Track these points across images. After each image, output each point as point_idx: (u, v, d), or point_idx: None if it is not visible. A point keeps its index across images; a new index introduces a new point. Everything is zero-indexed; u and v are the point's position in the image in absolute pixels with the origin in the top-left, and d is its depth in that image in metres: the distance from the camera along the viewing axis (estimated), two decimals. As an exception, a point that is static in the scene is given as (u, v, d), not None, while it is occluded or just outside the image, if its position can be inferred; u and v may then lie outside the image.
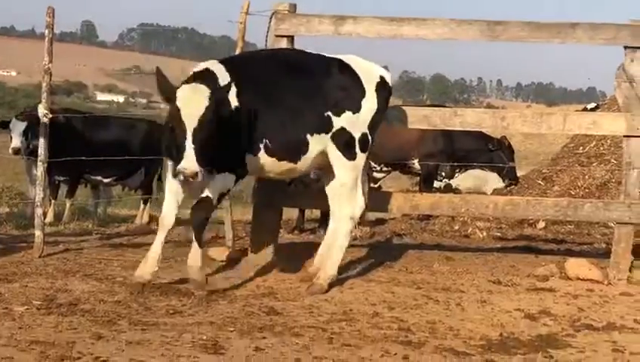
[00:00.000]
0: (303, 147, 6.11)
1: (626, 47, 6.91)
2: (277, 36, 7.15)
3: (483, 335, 5.28)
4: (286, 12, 7.14)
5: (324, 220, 10.00)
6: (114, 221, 10.56)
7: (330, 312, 5.65)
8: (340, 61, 6.32)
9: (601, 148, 11.59)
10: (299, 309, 5.70)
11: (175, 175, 5.67)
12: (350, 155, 6.22)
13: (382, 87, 6.35)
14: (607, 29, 6.91)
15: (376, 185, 11.77)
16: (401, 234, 9.40)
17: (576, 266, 6.98)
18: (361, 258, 7.47)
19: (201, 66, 5.98)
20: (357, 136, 6.21)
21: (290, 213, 10.45)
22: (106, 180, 11.65)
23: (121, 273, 6.48)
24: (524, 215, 7.77)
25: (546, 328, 5.53)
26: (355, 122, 6.21)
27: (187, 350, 4.59)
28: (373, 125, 6.33)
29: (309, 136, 6.09)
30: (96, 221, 10.22)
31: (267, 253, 7.11)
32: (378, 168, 11.63)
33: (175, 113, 5.52)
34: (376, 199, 7.34)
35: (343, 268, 6.98)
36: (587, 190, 10.83)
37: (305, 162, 6.19)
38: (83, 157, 9.96)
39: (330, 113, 6.13)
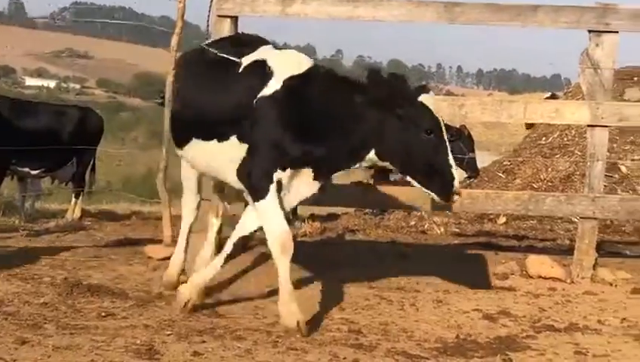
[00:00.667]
0: None
1: (590, 31, 6.98)
2: (219, 16, 7.11)
3: (438, 337, 5.32)
4: (240, -10, 7.11)
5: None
6: (43, 216, 10.43)
7: (276, 314, 5.62)
8: None
9: (565, 139, 11.73)
10: (243, 311, 5.69)
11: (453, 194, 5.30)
12: None
13: None
14: (571, 11, 6.97)
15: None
16: (354, 229, 9.42)
17: (538, 264, 7.05)
18: (310, 255, 7.44)
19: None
20: None
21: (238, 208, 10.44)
22: (34, 172, 11.46)
23: (49, 272, 6.40)
24: (483, 209, 7.84)
25: (505, 329, 5.58)
26: None
27: (119, 355, 4.54)
28: None
29: None
30: (24, 216, 10.08)
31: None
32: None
33: (437, 123, 5.29)
34: (330, 191, 7.33)
35: (290, 267, 6.98)
36: (550, 183, 10.96)
37: None
38: (8, 147, 9.80)
39: None
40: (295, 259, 7.13)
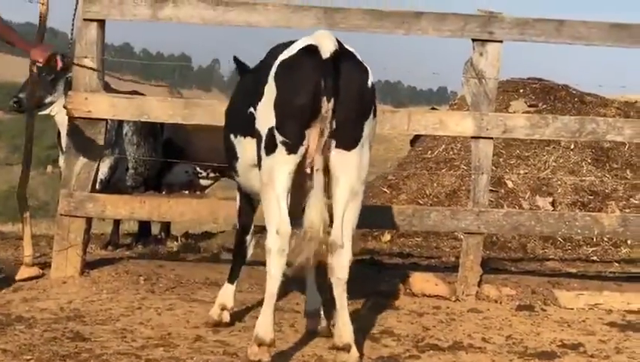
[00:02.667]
0: None
1: (474, 40, 7.16)
2: (85, 20, 7.05)
3: (318, 357, 5.37)
4: (96, -8, 7.05)
5: (141, 234, 9.93)
6: None
7: (146, 337, 5.59)
8: None
9: (451, 153, 11.97)
10: (109, 334, 5.63)
11: None
12: None
13: None
14: (455, 19, 7.12)
15: (204, 193, 11.74)
16: (230, 248, 9.39)
17: (422, 281, 7.18)
18: (183, 275, 7.42)
19: None
20: None
21: (105, 226, 10.33)
22: None
23: None
24: (364, 224, 7.92)
25: (388, 349, 5.66)
26: None
27: (-26, 383, 4.45)
28: None
29: None
30: None
31: (73, 271, 7.01)
32: (204, 174, 11.58)
33: None
34: (200, 208, 7.33)
35: (162, 287, 6.96)
36: (436, 198, 11.17)
37: None
38: None
39: None
40: (167, 279, 7.22)
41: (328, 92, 4.76)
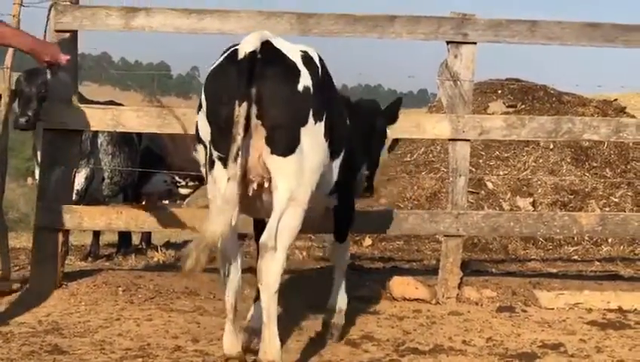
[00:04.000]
0: None
1: (448, 42, 7.19)
2: (57, 31, 7.05)
3: (293, 363, 5.40)
4: (67, 3, 7.05)
5: (122, 244, 9.93)
6: None
7: (125, 348, 5.60)
8: None
9: (430, 156, 12.03)
10: (88, 346, 5.63)
11: None
12: None
13: None
14: (428, 22, 7.15)
15: (184, 203, 11.76)
16: (212, 257, 9.39)
17: (402, 285, 7.21)
18: (162, 285, 7.42)
19: None
20: None
21: (86, 237, 10.33)
22: None
23: None
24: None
25: (368, 355, 5.69)
26: None
27: (-50, 399, 4.46)
28: None
29: None
30: None
31: (51, 283, 7.01)
32: (183, 183, 11.60)
33: None
34: (181, 217, 7.34)
35: (141, 297, 6.96)
36: (416, 201, 11.22)
37: None
38: None
39: None
40: (146, 289, 7.22)
41: (239, 96, 4.56)
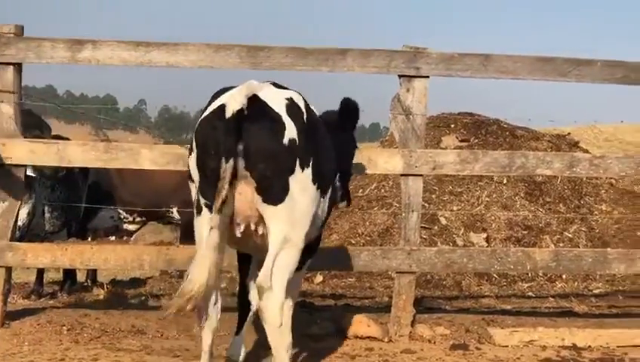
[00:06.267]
0: None
1: (400, 76, 7.25)
2: (1, 63, 7.02)
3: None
4: (11, 35, 7.03)
5: (67, 282, 9.84)
6: None
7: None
8: None
9: (382, 191, 12.07)
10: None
11: None
12: None
13: None
14: (380, 55, 7.20)
15: (131, 239, 11.70)
16: (159, 294, 9.35)
17: (354, 323, 7.20)
18: (108, 324, 7.36)
19: None
20: None
21: (29, 275, 10.21)
22: None
23: None
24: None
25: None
26: None
27: None
28: None
29: None
30: None
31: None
32: (130, 218, 11.55)
33: None
34: (125, 254, 7.29)
35: (86, 337, 6.90)
36: (369, 238, 11.24)
37: None
38: None
39: None
40: (92, 328, 7.16)
41: (226, 153, 4.83)
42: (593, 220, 11.56)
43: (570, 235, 11.17)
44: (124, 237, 11.73)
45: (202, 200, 5.03)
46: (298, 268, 5.71)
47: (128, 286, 9.87)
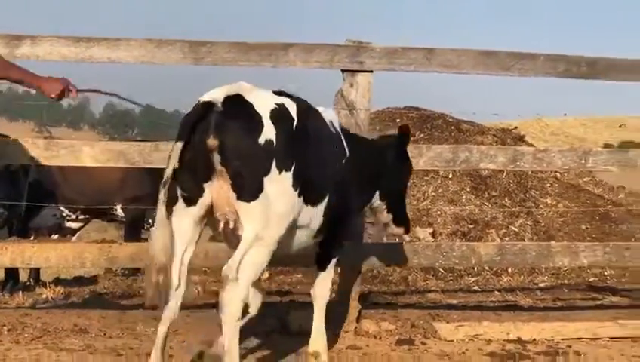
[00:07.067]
0: None
1: (343, 71, 7.25)
2: (-64, 61, 6.92)
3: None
4: (-53, 30, 6.94)
5: (8, 281, 9.76)
6: None
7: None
8: None
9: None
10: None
11: None
12: None
13: None
14: (323, 50, 7.18)
15: (74, 237, 11.62)
16: (102, 293, 9.31)
17: (300, 319, 7.20)
18: (50, 323, 7.31)
19: None
20: None
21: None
22: None
23: None
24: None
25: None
26: None
27: None
28: None
29: None
30: None
31: None
32: (73, 216, 11.50)
33: None
34: (66, 252, 7.24)
35: (27, 337, 6.85)
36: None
37: None
38: None
39: None
40: (34, 328, 7.10)
41: (185, 137, 5.13)
42: (538, 214, 11.68)
43: (516, 229, 11.26)
44: (67, 236, 11.65)
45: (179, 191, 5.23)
46: (323, 269, 6.20)
47: (72, 285, 9.79)
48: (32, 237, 10.82)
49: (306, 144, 5.49)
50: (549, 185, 12.56)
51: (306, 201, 5.52)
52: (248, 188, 5.16)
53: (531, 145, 13.19)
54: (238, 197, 5.16)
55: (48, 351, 6.46)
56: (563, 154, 7.73)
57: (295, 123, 5.43)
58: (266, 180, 5.21)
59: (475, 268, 10.40)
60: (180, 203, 5.26)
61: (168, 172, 5.11)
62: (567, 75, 7.61)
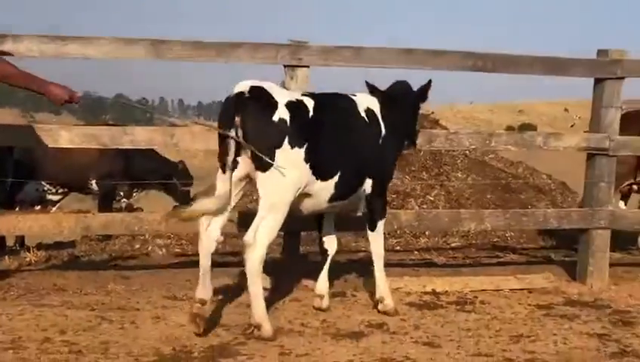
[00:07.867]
0: None
1: (285, 66, 7.24)
2: None
3: (155, 350, 5.33)
4: (-63, 28, 6.78)
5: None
6: None
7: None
8: None
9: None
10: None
11: None
12: None
13: None
14: (268, 48, 7.16)
15: (54, 208, 11.52)
16: (79, 256, 9.21)
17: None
18: (32, 283, 7.23)
19: None
20: None
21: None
22: None
23: None
24: (193, 230, 7.88)
25: (219, 339, 5.67)
26: None
27: None
28: None
29: None
30: None
31: None
32: (54, 190, 11.44)
33: None
34: (46, 222, 7.15)
35: (13, 294, 6.77)
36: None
37: None
38: None
39: None
40: (18, 287, 7.01)
41: (226, 123, 5.50)
42: (450, 186, 11.75)
43: (431, 198, 11.32)
44: (48, 207, 11.56)
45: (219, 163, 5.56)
46: (373, 229, 6.55)
47: (52, 249, 9.67)
48: (17, 209, 10.70)
49: (320, 131, 5.72)
50: (459, 161, 12.65)
51: (319, 176, 5.77)
52: (261, 160, 5.44)
53: (445, 128, 13.25)
54: (256, 168, 5.48)
55: (31, 307, 6.37)
56: (470, 135, 7.81)
57: (311, 114, 5.70)
58: (278, 153, 5.47)
59: (397, 232, 10.45)
60: (219, 171, 5.56)
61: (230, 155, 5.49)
62: (474, 68, 7.65)
